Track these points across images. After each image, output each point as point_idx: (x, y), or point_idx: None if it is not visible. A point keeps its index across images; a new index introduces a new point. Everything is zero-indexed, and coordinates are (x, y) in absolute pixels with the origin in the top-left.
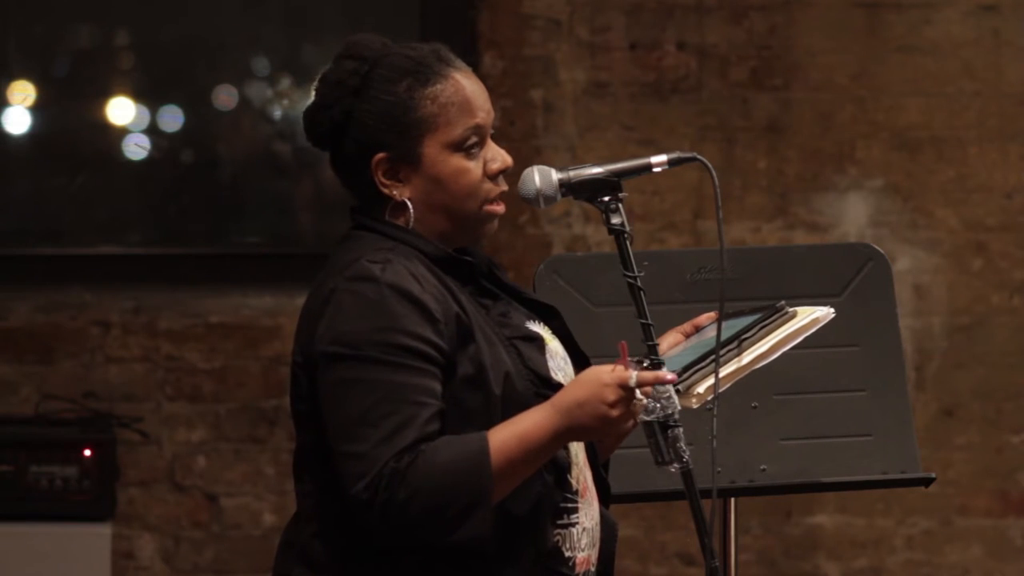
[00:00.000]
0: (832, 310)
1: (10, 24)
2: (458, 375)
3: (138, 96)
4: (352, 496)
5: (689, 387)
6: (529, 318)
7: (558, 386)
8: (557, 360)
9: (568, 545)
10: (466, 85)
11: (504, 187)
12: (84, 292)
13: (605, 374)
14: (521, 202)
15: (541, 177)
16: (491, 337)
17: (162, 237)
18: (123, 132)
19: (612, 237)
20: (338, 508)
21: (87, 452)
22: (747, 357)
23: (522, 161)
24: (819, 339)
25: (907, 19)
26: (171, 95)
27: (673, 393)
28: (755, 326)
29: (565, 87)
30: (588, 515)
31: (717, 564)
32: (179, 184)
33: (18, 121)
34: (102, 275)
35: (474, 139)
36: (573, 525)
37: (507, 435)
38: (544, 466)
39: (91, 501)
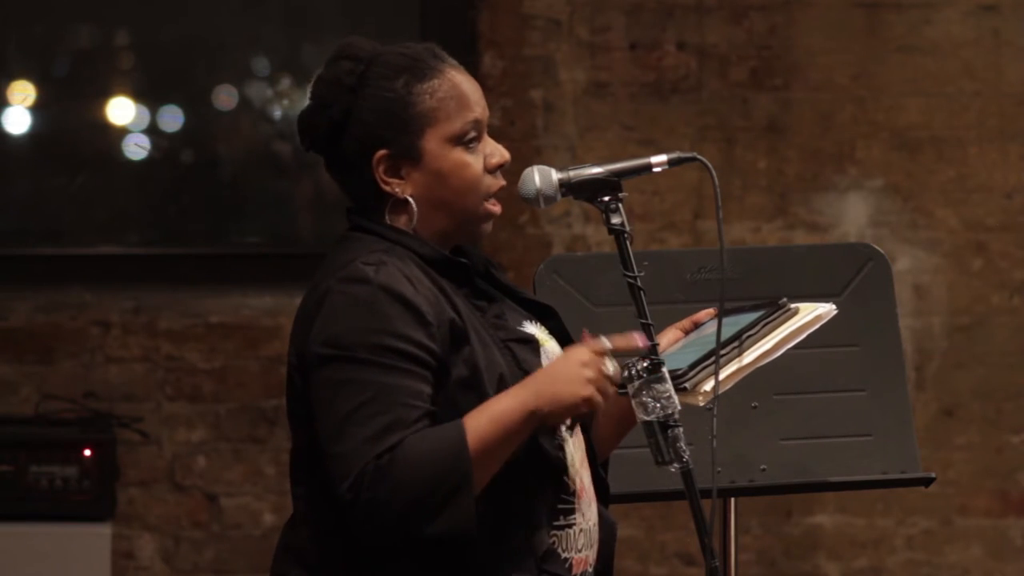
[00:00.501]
0: (834, 307)
1: (10, 24)
2: (452, 377)
3: (138, 96)
4: (338, 497)
5: (697, 384)
6: (526, 318)
7: None
8: None
9: (564, 546)
10: (461, 80)
11: (503, 182)
12: (84, 292)
13: (575, 346)
14: (521, 202)
15: (541, 177)
16: (485, 339)
17: (162, 237)
18: (123, 132)
19: (612, 237)
20: (333, 510)
21: (87, 452)
22: (751, 355)
23: (522, 161)
24: (819, 339)
25: (907, 19)
26: (171, 95)
27: (673, 393)
28: (758, 323)
29: (565, 87)
30: (585, 516)
31: (717, 564)
32: (179, 184)
33: (18, 121)
34: (102, 275)
35: (473, 133)
36: (570, 526)
37: (482, 419)
38: (540, 468)
39: (91, 501)
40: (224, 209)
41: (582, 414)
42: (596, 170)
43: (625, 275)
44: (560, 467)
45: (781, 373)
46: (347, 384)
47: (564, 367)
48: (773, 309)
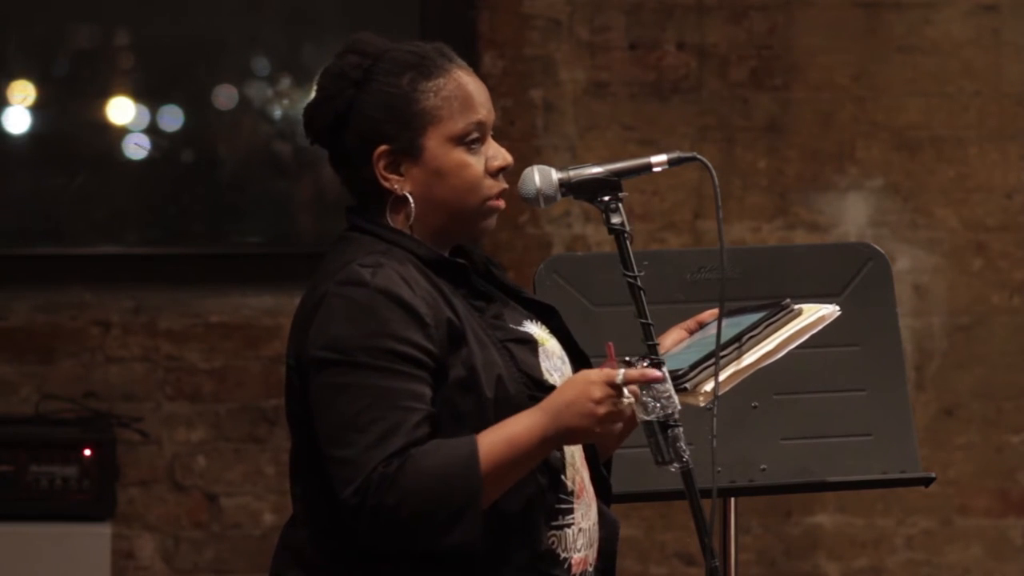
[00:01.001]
0: (837, 308)
1: (10, 24)
2: (450, 378)
3: (138, 96)
4: (341, 501)
5: (697, 385)
6: (526, 318)
7: (551, 388)
8: (553, 360)
9: (563, 546)
10: (468, 81)
11: (504, 185)
12: (84, 292)
13: (592, 373)
14: (521, 202)
15: (541, 177)
16: (483, 340)
17: (162, 237)
18: (123, 132)
19: (612, 237)
20: (332, 512)
21: (87, 452)
22: (753, 356)
23: (522, 161)
24: (819, 339)
25: (907, 19)
26: (171, 95)
27: (673, 393)
28: (760, 324)
29: (565, 87)
30: (585, 515)
31: (717, 564)
32: (179, 184)
33: (18, 121)
34: (102, 275)
35: (476, 134)
36: (568, 526)
37: (496, 439)
38: (538, 468)
39: (91, 501)
40: (224, 209)
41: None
42: (596, 170)
43: (625, 275)
44: (558, 467)
45: (781, 373)
46: (347, 388)
47: (577, 401)
48: (776, 310)
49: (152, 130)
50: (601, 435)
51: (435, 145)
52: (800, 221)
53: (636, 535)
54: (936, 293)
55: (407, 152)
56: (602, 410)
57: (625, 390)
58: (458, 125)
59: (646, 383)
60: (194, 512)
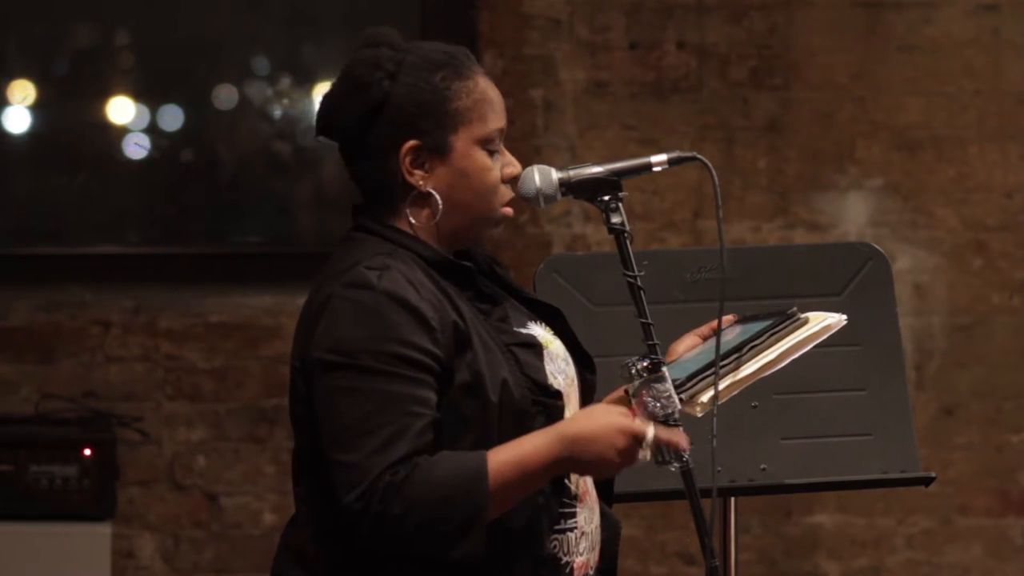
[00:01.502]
0: (844, 317)
1: (10, 24)
2: (455, 382)
3: (138, 96)
4: (344, 506)
5: (693, 396)
6: (530, 319)
7: (556, 393)
8: (558, 363)
9: (565, 550)
10: (489, 88)
11: (512, 193)
12: (84, 292)
13: (621, 418)
14: (521, 202)
15: (541, 176)
16: (489, 344)
17: (162, 237)
18: (123, 132)
19: (612, 236)
20: (334, 512)
21: (87, 452)
22: (753, 366)
23: (522, 160)
24: None
25: (907, 19)
26: (171, 95)
27: (673, 393)
28: (763, 334)
29: (565, 87)
30: (587, 518)
31: (717, 563)
32: (179, 184)
33: (18, 121)
34: (102, 275)
35: (497, 141)
36: (571, 530)
37: (507, 458)
38: None
39: (91, 501)
40: (224, 209)
41: None
42: (596, 169)
43: (625, 275)
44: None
45: (781, 373)
46: (352, 392)
47: (603, 441)
48: (782, 319)
49: (152, 130)
50: (604, 476)
51: (463, 146)
52: (800, 221)
53: (636, 535)
54: (936, 293)
55: (436, 149)
56: (619, 460)
57: (645, 447)
58: (487, 128)
59: (646, 383)
60: (194, 512)
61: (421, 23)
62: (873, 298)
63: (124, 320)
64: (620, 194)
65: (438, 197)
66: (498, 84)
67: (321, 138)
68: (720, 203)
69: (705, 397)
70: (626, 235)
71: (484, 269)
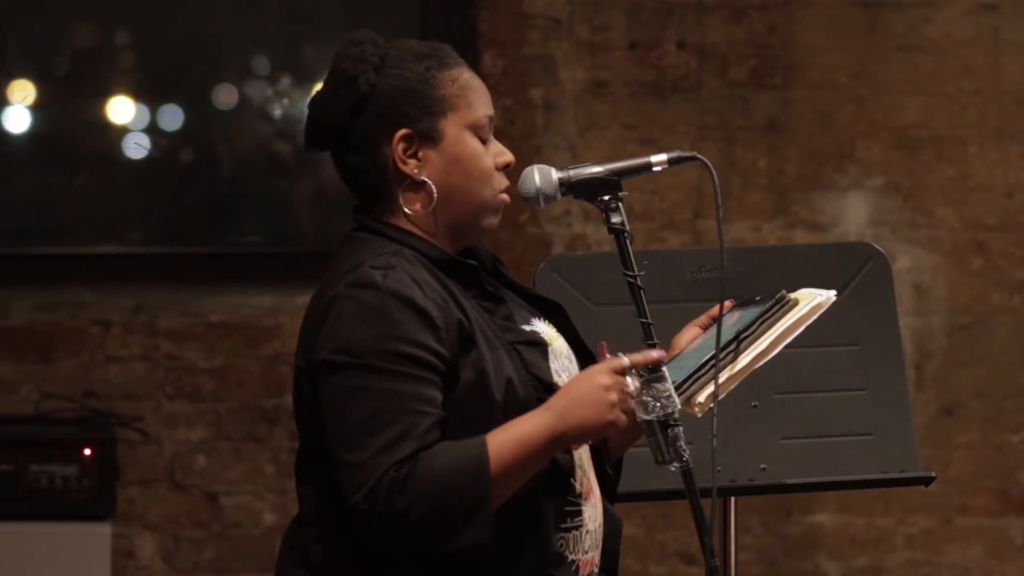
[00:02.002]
0: (833, 293)
1: (10, 24)
2: (460, 381)
3: (138, 95)
4: (351, 505)
5: (691, 397)
6: (534, 316)
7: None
8: (561, 360)
9: (571, 548)
10: (473, 79)
11: (508, 182)
12: (84, 292)
13: (595, 367)
14: (521, 201)
15: (541, 176)
16: (493, 342)
17: (162, 236)
18: (123, 131)
19: (612, 236)
20: (338, 512)
21: (87, 451)
22: (746, 358)
23: (522, 160)
24: (819, 338)
25: (907, 18)
26: (171, 94)
27: (673, 392)
28: (755, 322)
29: (565, 86)
30: (592, 517)
31: (717, 563)
32: (179, 183)
33: (18, 120)
34: (102, 275)
35: (487, 129)
36: (576, 528)
37: (505, 439)
38: (547, 471)
39: (91, 500)
40: (224, 209)
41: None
42: (596, 169)
43: (625, 274)
44: (568, 470)
45: (781, 373)
46: (358, 392)
47: (588, 391)
48: (771, 304)
49: (152, 130)
50: (611, 426)
51: (454, 131)
52: (800, 220)
53: (636, 534)
54: (936, 293)
55: (427, 136)
56: (613, 396)
57: (630, 382)
58: (476, 113)
59: (646, 383)
60: (194, 512)
61: (421, 23)
62: (873, 298)
63: (124, 320)
64: (620, 194)
65: (432, 185)
66: (498, 84)
67: (310, 152)
68: (720, 203)
69: (702, 397)
70: (626, 235)
71: (488, 267)
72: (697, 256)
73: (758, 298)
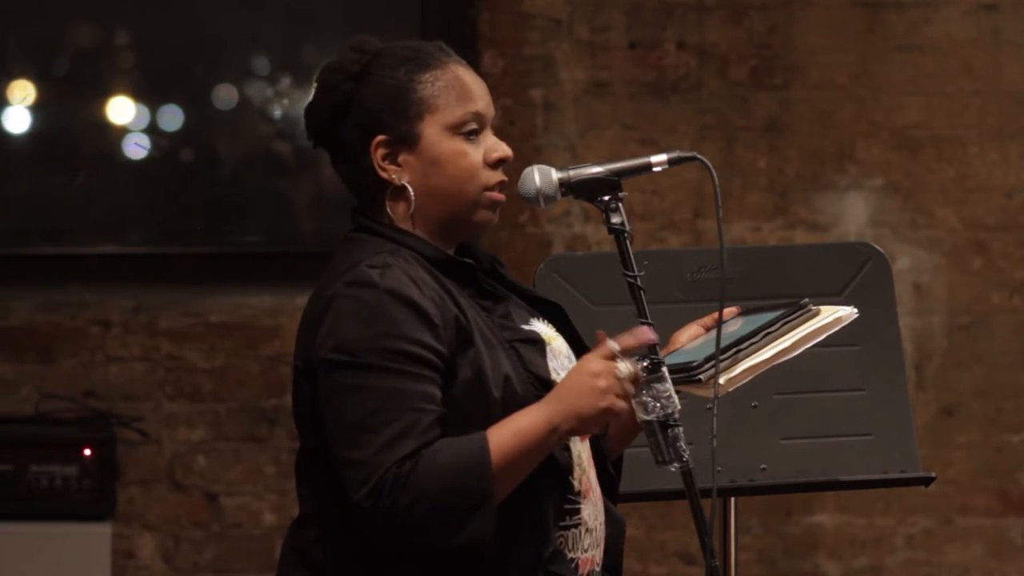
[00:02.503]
0: (855, 310)
1: (10, 24)
2: (458, 379)
3: (138, 96)
4: (355, 503)
5: (711, 377)
6: (533, 316)
7: None
8: (560, 360)
9: (570, 546)
10: (465, 74)
11: (503, 177)
12: (84, 292)
13: (587, 355)
14: (521, 201)
15: (541, 176)
16: (491, 340)
17: (162, 236)
18: (123, 132)
19: (612, 236)
20: (339, 512)
21: (87, 451)
22: (769, 352)
23: (522, 160)
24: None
25: (907, 18)
26: (171, 95)
27: (673, 393)
28: (778, 321)
29: (565, 86)
30: (591, 515)
31: (717, 563)
32: (179, 183)
33: (18, 121)
34: (102, 275)
35: (473, 125)
36: (576, 526)
37: (505, 433)
38: (545, 468)
39: (91, 500)
40: (224, 209)
41: (607, 423)
42: (596, 169)
43: (625, 274)
44: (566, 467)
45: (781, 373)
46: (358, 390)
47: (579, 380)
48: (794, 309)
49: (152, 130)
50: (606, 413)
51: (432, 133)
52: (800, 221)
53: (636, 534)
54: (936, 293)
55: (404, 141)
56: (603, 382)
57: (620, 363)
58: (455, 114)
59: (646, 383)
60: (194, 512)
61: (421, 23)
62: (873, 298)
63: (124, 320)
64: (620, 194)
65: (410, 189)
66: (498, 84)
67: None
68: (720, 203)
69: (722, 379)
70: (626, 235)
71: (486, 267)
72: (697, 256)
73: (772, 304)
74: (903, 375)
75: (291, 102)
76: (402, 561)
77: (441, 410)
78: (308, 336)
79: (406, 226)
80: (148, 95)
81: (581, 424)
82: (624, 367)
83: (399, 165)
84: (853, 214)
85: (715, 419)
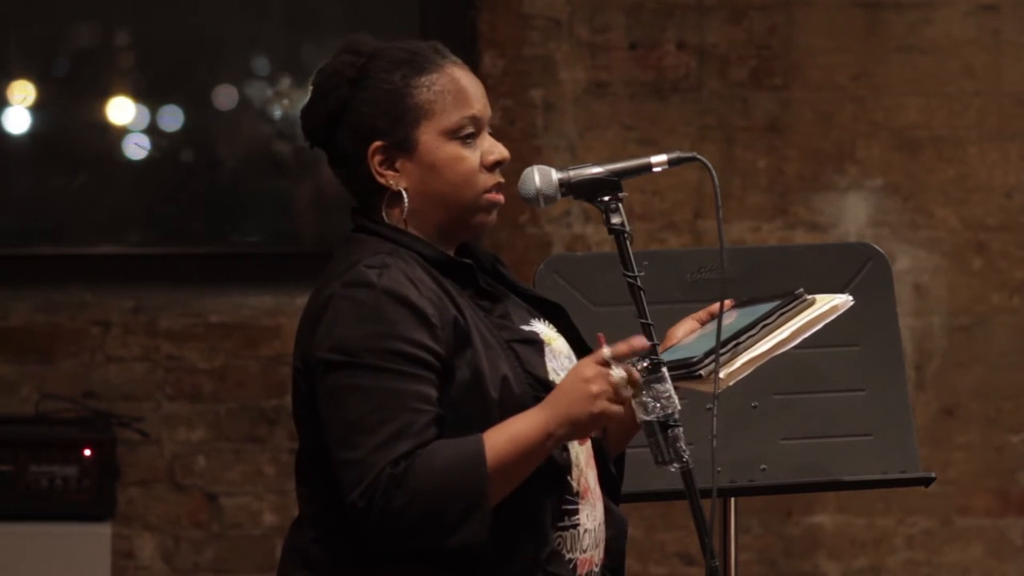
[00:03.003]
0: (850, 298)
1: (10, 24)
2: (456, 379)
3: (138, 96)
4: (349, 503)
5: (711, 372)
6: (533, 316)
7: None
8: (560, 360)
9: (569, 547)
10: (461, 76)
11: (501, 179)
12: (84, 292)
13: (581, 360)
14: (521, 202)
15: (541, 177)
16: (489, 341)
17: (162, 237)
18: (123, 132)
19: (612, 237)
20: (338, 512)
21: (87, 452)
22: (768, 343)
23: (522, 161)
24: (819, 339)
25: (907, 19)
26: (171, 95)
27: (673, 393)
28: (774, 312)
29: (565, 87)
30: (590, 516)
31: (717, 564)
32: (179, 184)
33: (18, 121)
34: (102, 275)
35: (470, 129)
36: (574, 527)
37: (501, 437)
38: (543, 469)
39: (91, 501)
40: (224, 209)
41: (602, 427)
42: (596, 170)
43: (625, 275)
44: (564, 468)
45: (781, 373)
46: (355, 390)
47: (572, 386)
48: (790, 299)
49: (152, 130)
50: (599, 418)
51: (429, 139)
52: (800, 221)
53: (636, 535)
54: (936, 293)
55: (401, 147)
56: (595, 387)
57: (614, 367)
58: (451, 119)
59: (646, 383)
60: (194, 512)
61: (421, 23)
62: (873, 298)
63: (124, 320)
64: (620, 194)
65: (405, 195)
66: (498, 84)
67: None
68: (720, 203)
69: (723, 373)
70: (626, 235)
71: (486, 267)
72: (697, 257)
73: (768, 295)
74: (903, 375)
75: (291, 102)
76: (401, 561)
77: (437, 411)
78: (306, 336)
79: (406, 224)
80: (148, 95)
81: (575, 429)
82: (617, 372)
83: (396, 170)
84: (853, 214)
85: (715, 419)
